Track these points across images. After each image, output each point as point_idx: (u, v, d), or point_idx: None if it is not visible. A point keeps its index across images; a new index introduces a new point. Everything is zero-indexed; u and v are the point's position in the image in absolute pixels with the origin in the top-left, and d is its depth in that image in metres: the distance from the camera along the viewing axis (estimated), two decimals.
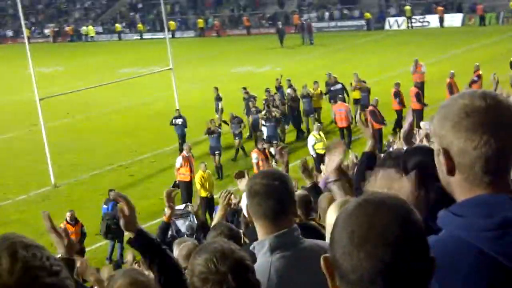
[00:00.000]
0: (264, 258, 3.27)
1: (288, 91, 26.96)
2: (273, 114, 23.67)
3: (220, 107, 27.83)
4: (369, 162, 4.83)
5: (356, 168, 4.85)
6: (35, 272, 1.47)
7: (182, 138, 24.63)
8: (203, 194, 18.74)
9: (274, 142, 22.39)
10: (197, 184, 18.91)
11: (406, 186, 2.85)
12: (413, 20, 54.86)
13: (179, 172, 19.92)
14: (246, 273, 2.86)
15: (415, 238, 1.73)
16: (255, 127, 24.85)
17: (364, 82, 26.65)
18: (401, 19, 55.43)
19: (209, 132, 22.73)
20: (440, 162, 2.19)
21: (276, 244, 3.28)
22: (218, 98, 28.17)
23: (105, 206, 17.27)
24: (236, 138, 24.13)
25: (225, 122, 24.97)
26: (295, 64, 41.89)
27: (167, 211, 6.03)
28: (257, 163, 19.79)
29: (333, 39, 52.72)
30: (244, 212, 6.56)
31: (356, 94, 26.29)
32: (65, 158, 24.75)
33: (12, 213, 20.67)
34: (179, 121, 24.78)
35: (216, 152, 22.55)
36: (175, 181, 18.65)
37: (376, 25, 56.17)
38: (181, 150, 23.16)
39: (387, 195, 1.88)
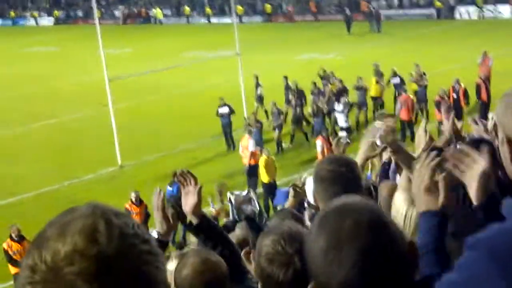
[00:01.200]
0: None
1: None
2: (320, 108, 23.59)
3: (258, 93, 27.53)
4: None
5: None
6: (131, 240, 1.46)
7: (229, 127, 24.39)
8: (266, 179, 18.81)
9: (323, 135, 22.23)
10: (261, 169, 18.99)
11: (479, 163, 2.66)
12: (485, 10, 53.58)
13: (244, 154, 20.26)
14: None
15: (386, 244, 1.72)
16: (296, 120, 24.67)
17: (424, 74, 26.14)
18: (472, 9, 54.18)
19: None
20: (504, 150, 2.13)
21: None
22: (258, 85, 27.81)
23: (169, 188, 17.34)
24: (276, 129, 23.90)
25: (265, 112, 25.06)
26: (360, 52, 41.46)
27: (217, 207, 5.64)
28: (322, 151, 19.75)
29: (401, 27, 51.97)
30: (310, 198, 6.56)
31: (414, 86, 25.82)
32: (131, 140, 25.14)
33: (79, 191, 21.16)
34: (224, 109, 24.49)
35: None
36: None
37: (446, 14, 55.04)
38: (227, 139, 23.81)
39: (353, 200, 1.85)
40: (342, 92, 25.38)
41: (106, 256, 1.42)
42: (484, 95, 23.59)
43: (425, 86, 25.45)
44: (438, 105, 22.35)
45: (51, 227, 1.48)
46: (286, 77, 27.78)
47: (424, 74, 26.17)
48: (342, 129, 24.19)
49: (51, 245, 1.43)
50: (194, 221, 3.76)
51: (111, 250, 1.43)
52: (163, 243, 3.60)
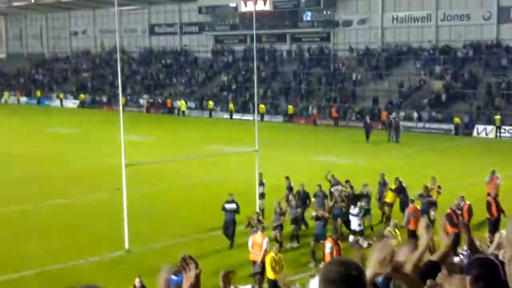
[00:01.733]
0: None
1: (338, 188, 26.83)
2: (320, 214, 23.21)
3: (261, 191, 27.36)
4: (430, 271, 4.53)
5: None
6: None
7: (233, 224, 23.91)
8: (272, 276, 18.67)
9: (322, 241, 21.80)
10: (267, 265, 18.87)
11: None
12: (502, 130, 54.02)
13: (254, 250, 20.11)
14: None
15: None
16: (295, 220, 24.56)
17: (439, 188, 26.41)
18: (490, 127, 54.64)
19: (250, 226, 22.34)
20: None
21: None
22: (262, 184, 27.71)
23: (174, 277, 17.14)
24: (276, 230, 23.86)
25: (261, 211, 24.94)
26: (376, 160, 41.70)
27: None
28: (331, 253, 19.63)
29: (419, 140, 52.38)
30: None
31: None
32: (141, 225, 25.13)
33: (83, 273, 21.00)
34: (232, 206, 24.20)
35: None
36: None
37: (465, 131, 55.49)
38: (228, 236, 23.52)
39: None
40: (360, 196, 25.49)
41: None
42: (494, 212, 23.69)
43: (435, 203, 25.30)
44: (449, 218, 22.29)
45: None
46: (288, 177, 27.93)
47: (439, 187, 26.35)
48: (355, 232, 24.12)
49: None
50: None
51: None
52: None
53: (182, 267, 3.62)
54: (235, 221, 23.95)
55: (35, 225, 26.82)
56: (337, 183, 27.51)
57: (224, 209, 24.28)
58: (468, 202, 23.90)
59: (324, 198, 25.73)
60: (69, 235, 25.13)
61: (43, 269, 21.31)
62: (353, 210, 24.41)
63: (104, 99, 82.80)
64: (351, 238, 24.18)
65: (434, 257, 4.55)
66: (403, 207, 25.63)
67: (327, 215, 23.55)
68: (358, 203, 24.58)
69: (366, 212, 25.44)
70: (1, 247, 23.80)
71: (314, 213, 23.54)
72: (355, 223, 24.29)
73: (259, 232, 20.69)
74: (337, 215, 25.17)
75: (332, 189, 27.03)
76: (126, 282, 18.07)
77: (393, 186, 26.66)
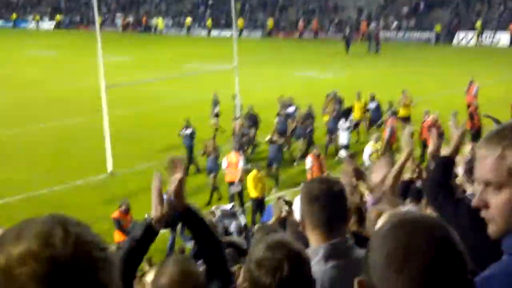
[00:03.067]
0: (317, 267, 3.19)
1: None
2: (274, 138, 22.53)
3: (216, 111, 27.46)
4: (447, 169, 4.28)
5: (428, 177, 4.44)
6: (87, 246, 1.49)
7: (190, 149, 23.51)
8: (254, 194, 18.73)
9: (275, 165, 21.54)
10: (249, 184, 18.90)
11: None
12: (483, 37, 53.85)
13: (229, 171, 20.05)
14: (302, 265, 2.83)
15: (454, 260, 1.69)
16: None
17: (411, 101, 26.27)
18: (470, 34, 54.41)
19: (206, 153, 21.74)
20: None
21: (330, 253, 3.24)
22: (216, 103, 27.77)
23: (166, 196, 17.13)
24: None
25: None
26: (357, 72, 41.60)
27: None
28: (311, 168, 19.72)
29: (399, 50, 52.18)
30: (297, 216, 6.48)
31: (406, 112, 25.77)
32: (124, 148, 25.05)
33: (68, 197, 21.03)
34: (188, 131, 23.92)
35: (212, 174, 21.01)
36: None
37: (446, 38, 55.28)
38: (189, 160, 22.91)
39: (423, 215, 1.83)
40: (350, 110, 25.46)
41: (59, 259, 1.44)
42: (476, 123, 23.77)
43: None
44: (430, 129, 22.39)
45: (9, 231, 1.51)
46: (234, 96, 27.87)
47: (411, 101, 26.26)
48: (344, 147, 24.23)
49: (6, 248, 1.46)
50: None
51: (65, 254, 1.45)
52: (152, 231, 3.44)
53: (169, 169, 3.54)
54: (192, 147, 23.55)
55: (16, 150, 26.58)
56: (290, 104, 26.80)
57: (180, 135, 24.02)
58: (431, 117, 23.21)
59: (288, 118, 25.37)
60: (51, 160, 25.03)
61: (27, 195, 21.28)
62: (344, 124, 24.38)
63: (80, 19, 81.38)
64: (342, 152, 24.25)
65: (446, 152, 4.43)
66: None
67: (282, 140, 22.86)
68: (350, 116, 24.64)
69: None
70: None
71: (268, 136, 22.71)
72: (344, 137, 24.32)
73: (233, 152, 20.53)
74: (299, 135, 24.71)
75: (289, 110, 26.22)
76: (111, 205, 18.14)
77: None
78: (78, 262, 1.46)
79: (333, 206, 3.29)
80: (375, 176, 5.06)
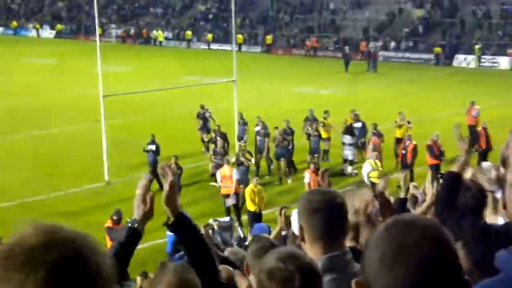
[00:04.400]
0: None
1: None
2: (243, 160, 21.79)
3: (209, 127, 27.42)
4: (454, 185, 4.33)
5: (437, 192, 4.42)
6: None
7: (153, 166, 22.70)
8: (252, 208, 18.72)
9: (241, 186, 20.52)
10: (246, 197, 18.89)
11: None
12: (483, 60, 54.02)
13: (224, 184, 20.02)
14: (314, 278, 2.82)
15: (447, 258, 1.71)
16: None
17: (409, 123, 25.56)
18: (470, 57, 54.61)
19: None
20: (509, 193, 2.14)
21: (329, 265, 3.20)
22: (206, 117, 27.73)
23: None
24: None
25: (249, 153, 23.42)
26: (356, 90, 41.69)
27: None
28: (309, 184, 19.73)
29: (398, 70, 52.29)
30: (295, 231, 6.43)
31: (401, 133, 25.17)
32: (121, 157, 25.03)
33: (63, 205, 21.00)
34: (152, 147, 23.43)
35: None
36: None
37: (445, 60, 55.41)
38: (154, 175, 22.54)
39: (417, 216, 1.84)
40: (353, 127, 25.31)
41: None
42: (483, 144, 23.83)
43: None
44: (430, 149, 22.44)
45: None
46: (202, 105, 28.36)
47: (409, 122, 25.67)
48: (350, 162, 24.47)
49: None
50: (169, 214, 3.58)
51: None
52: (136, 233, 3.47)
53: (162, 175, 3.56)
54: (156, 162, 22.88)
55: (14, 157, 26.56)
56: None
57: (145, 150, 23.65)
58: (414, 142, 22.97)
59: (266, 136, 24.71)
60: (48, 167, 24.99)
61: (22, 201, 21.26)
62: (348, 139, 24.56)
63: (80, 29, 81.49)
64: (349, 169, 24.32)
65: (455, 168, 4.45)
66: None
67: (250, 162, 22.12)
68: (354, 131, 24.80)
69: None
70: None
71: (234, 158, 21.94)
72: (349, 153, 24.44)
73: (226, 165, 20.51)
74: (280, 155, 23.98)
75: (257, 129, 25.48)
76: (105, 213, 18.08)
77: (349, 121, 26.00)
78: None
79: (333, 219, 3.25)
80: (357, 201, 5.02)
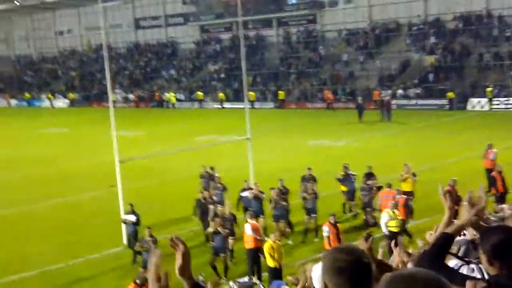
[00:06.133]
0: None
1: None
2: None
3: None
4: (446, 245, 4.28)
5: (427, 251, 4.33)
6: None
7: (134, 237, 21.82)
8: (272, 264, 18.53)
9: (222, 254, 20.02)
10: (266, 253, 18.70)
11: None
12: (496, 102, 53.92)
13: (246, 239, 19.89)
14: None
15: None
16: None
17: (414, 175, 24.89)
18: (484, 100, 54.54)
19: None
20: None
21: None
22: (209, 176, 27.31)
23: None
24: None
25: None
26: (370, 140, 41.68)
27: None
28: (328, 237, 19.54)
29: (413, 117, 52.29)
30: (316, 286, 6.26)
31: (407, 186, 24.52)
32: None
33: (83, 271, 20.92)
34: (132, 217, 22.25)
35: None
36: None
37: (459, 105, 55.36)
38: (129, 246, 21.86)
39: (419, 270, 1.83)
40: (372, 174, 24.97)
41: None
42: (500, 187, 23.55)
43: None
44: (449, 195, 22.11)
45: None
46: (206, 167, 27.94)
47: (414, 174, 25.02)
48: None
49: None
50: (185, 284, 3.63)
51: None
52: None
53: (172, 248, 3.62)
54: (136, 233, 22.05)
55: (34, 226, 26.70)
56: (248, 188, 24.96)
57: (123, 220, 22.88)
58: (404, 196, 22.50)
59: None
60: (67, 234, 25.02)
61: (43, 270, 21.21)
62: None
63: (93, 97, 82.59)
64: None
65: (449, 230, 4.38)
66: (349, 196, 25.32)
67: (226, 231, 20.53)
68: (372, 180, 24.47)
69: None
70: (1, 250, 23.66)
71: (211, 229, 20.54)
72: (366, 199, 24.10)
73: (253, 220, 20.34)
74: (278, 216, 23.02)
75: (243, 194, 24.61)
76: (127, 277, 17.98)
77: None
78: None
79: (359, 280, 3.13)
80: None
